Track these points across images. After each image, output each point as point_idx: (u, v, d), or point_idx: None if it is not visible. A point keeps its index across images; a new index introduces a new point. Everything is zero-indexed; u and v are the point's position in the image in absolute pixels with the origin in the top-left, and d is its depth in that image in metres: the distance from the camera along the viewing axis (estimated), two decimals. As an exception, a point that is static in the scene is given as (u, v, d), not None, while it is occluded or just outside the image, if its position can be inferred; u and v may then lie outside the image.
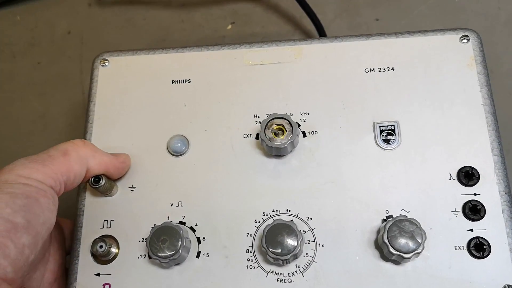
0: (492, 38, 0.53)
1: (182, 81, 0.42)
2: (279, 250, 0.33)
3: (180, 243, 0.34)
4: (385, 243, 0.32)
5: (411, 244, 0.32)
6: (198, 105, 0.41)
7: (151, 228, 0.37)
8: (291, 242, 0.33)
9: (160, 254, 0.34)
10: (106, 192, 0.38)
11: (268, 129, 0.37)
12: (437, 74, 0.39)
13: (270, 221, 0.36)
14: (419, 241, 0.32)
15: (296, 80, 0.41)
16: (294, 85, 0.41)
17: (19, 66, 0.60)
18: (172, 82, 0.42)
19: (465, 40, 0.40)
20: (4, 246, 0.29)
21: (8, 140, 0.57)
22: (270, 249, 0.33)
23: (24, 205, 0.30)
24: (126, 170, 0.39)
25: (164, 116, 0.41)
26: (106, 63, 0.44)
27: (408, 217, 0.33)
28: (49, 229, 0.32)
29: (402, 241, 0.32)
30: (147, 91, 0.42)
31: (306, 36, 0.57)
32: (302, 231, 0.36)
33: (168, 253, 0.34)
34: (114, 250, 0.37)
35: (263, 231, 0.34)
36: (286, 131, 0.36)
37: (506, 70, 0.52)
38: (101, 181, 0.36)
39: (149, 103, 0.42)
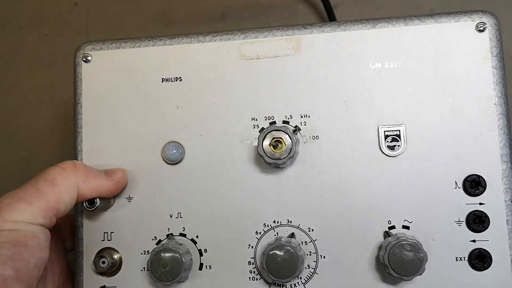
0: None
1: (172, 79, 0.39)
2: (281, 276, 0.33)
3: (181, 266, 0.34)
4: (386, 265, 0.32)
5: (412, 269, 0.32)
6: (191, 107, 0.39)
7: (152, 240, 0.37)
8: (292, 267, 0.33)
9: (162, 280, 0.34)
10: (103, 209, 0.37)
11: (267, 141, 0.35)
12: (448, 69, 0.36)
13: (271, 232, 0.36)
14: (420, 265, 0.32)
15: (295, 76, 0.38)
16: (293, 82, 0.38)
17: (26, 38, 0.60)
18: (162, 81, 0.39)
19: (481, 28, 0.36)
20: None
21: (15, 111, 0.58)
22: (272, 275, 0.33)
23: (12, 254, 0.30)
24: (122, 188, 0.38)
25: (156, 119, 0.39)
26: (89, 58, 0.40)
27: (409, 236, 0.33)
28: (42, 266, 0.32)
29: (403, 266, 0.32)
30: (136, 91, 0.39)
31: (310, 4, 0.52)
32: (303, 243, 0.36)
33: (170, 278, 0.34)
34: (116, 256, 0.38)
35: (264, 253, 0.34)
36: (285, 144, 0.35)
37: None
38: (95, 204, 0.35)
39: (139, 105, 0.39)
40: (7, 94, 0.58)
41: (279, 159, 0.34)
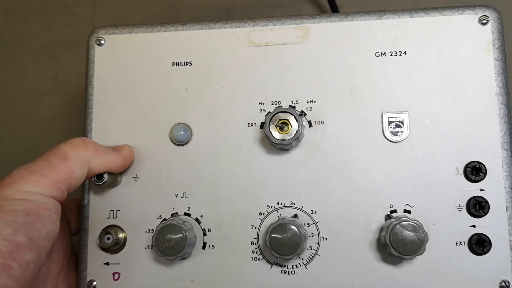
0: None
1: (183, 64, 0.40)
2: (283, 253, 0.34)
3: (185, 242, 0.35)
4: (387, 244, 0.33)
5: (412, 248, 0.32)
6: (200, 90, 0.40)
7: (157, 219, 0.37)
8: (295, 244, 0.34)
9: (166, 255, 0.35)
10: (110, 185, 0.38)
11: (273, 123, 0.36)
12: (451, 59, 0.37)
13: (274, 214, 0.37)
14: (421, 245, 0.32)
15: (302, 63, 0.39)
16: (301, 69, 0.39)
17: (31, 29, 0.60)
18: (173, 65, 0.40)
19: (484, 21, 0.37)
20: (8, 267, 0.29)
21: (20, 101, 0.58)
22: (274, 251, 0.34)
23: (25, 222, 0.30)
24: (129, 164, 0.38)
25: (165, 102, 0.40)
26: (102, 42, 0.42)
27: (410, 218, 0.33)
28: (52, 239, 0.33)
29: (404, 245, 0.33)
30: (147, 74, 0.41)
31: (316, 4, 0.54)
32: (305, 224, 0.36)
33: (174, 253, 0.35)
34: (121, 240, 0.38)
35: (267, 231, 0.34)
36: (291, 126, 0.36)
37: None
38: (104, 179, 0.36)
39: (149, 87, 0.40)
40: (11, 84, 0.58)
41: (284, 140, 0.35)
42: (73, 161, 0.34)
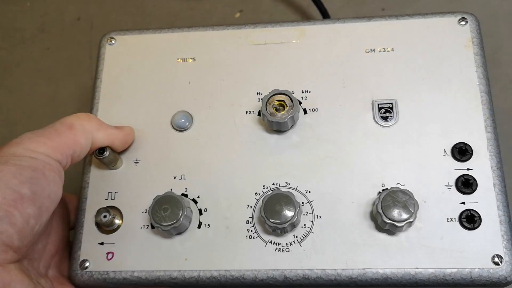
0: (495, 27, 0.54)
1: (187, 59, 0.44)
2: (277, 219, 0.34)
3: (181, 212, 0.35)
4: (379, 212, 0.34)
5: (403, 214, 0.33)
6: (202, 83, 0.42)
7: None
8: (288, 211, 0.34)
9: (162, 223, 0.35)
10: (110, 164, 0.39)
11: (270, 104, 0.38)
12: (435, 54, 0.40)
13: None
14: (412, 210, 0.33)
15: (298, 59, 0.42)
16: (297, 64, 0.42)
17: (29, 51, 0.61)
18: (177, 60, 0.44)
19: (463, 23, 0.41)
20: (11, 214, 0.30)
21: (17, 124, 0.58)
22: (268, 218, 0.34)
23: (30, 177, 0.31)
24: (130, 142, 0.40)
25: (169, 93, 0.42)
26: (113, 42, 0.45)
27: (401, 188, 0.35)
28: (54, 202, 0.33)
29: (395, 211, 0.33)
30: (152, 69, 0.43)
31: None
32: (300, 203, 0.37)
33: (170, 221, 0.35)
34: (117, 221, 0.39)
35: (262, 200, 0.35)
36: (287, 106, 0.38)
37: (509, 59, 0.53)
38: (105, 153, 0.38)
39: (154, 80, 0.43)
40: (8, 107, 0.58)
41: (280, 118, 0.37)
42: (78, 130, 0.36)
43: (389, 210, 0.33)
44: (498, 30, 0.55)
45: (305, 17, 0.59)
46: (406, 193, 0.34)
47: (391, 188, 0.35)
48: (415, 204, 0.33)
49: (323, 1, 0.54)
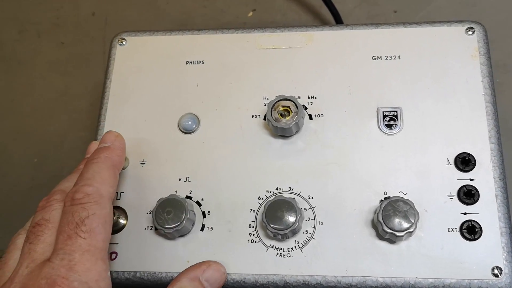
0: (506, 32, 0.53)
1: (195, 62, 0.44)
2: (278, 225, 0.35)
3: (184, 215, 0.36)
4: (380, 221, 0.34)
5: (404, 223, 0.34)
6: (210, 86, 0.43)
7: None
8: (290, 218, 0.35)
9: (164, 225, 0.36)
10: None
11: (275, 110, 0.38)
12: (441, 63, 0.40)
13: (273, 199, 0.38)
14: (412, 220, 0.34)
15: (305, 65, 0.42)
16: (304, 69, 0.42)
17: (43, 45, 0.62)
18: (186, 63, 0.44)
19: (470, 32, 0.41)
20: None
21: (29, 117, 0.59)
22: (269, 224, 0.35)
23: None
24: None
25: (176, 95, 0.43)
26: (124, 42, 0.46)
27: (403, 198, 0.35)
28: None
29: (396, 220, 0.34)
30: (161, 71, 0.44)
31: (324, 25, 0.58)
32: (302, 209, 0.38)
33: (172, 224, 0.36)
34: (122, 221, 0.39)
35: (264, 206, 0.36)
36: (291, 112, 0.38)
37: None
38: None
39: (163, 82, 0.44)
40: (21, 100, 0.59)
41: (285, 124, 0.38)
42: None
43: (390, 220, 0.34)
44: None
45: (317, 18, 0.59)
46: (407, 202, 0.34)
47: (392, 197, 0.35)
48: (416, 214, 0.34)
49: (335, 1, 0.54)
